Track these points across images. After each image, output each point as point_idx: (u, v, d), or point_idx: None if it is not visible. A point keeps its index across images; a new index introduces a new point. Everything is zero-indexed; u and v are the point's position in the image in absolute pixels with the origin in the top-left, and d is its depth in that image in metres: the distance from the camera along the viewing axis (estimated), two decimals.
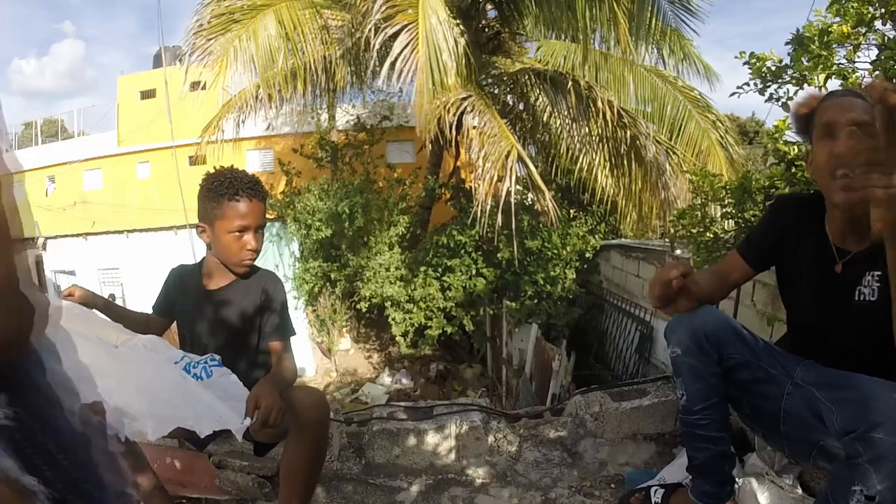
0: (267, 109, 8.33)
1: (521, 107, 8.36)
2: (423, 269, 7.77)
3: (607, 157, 7.27)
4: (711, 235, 2.88)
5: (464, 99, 6.25)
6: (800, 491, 1.43)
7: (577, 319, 8.03)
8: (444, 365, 8.67)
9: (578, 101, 6.69)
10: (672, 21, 7.40)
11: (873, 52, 2.21)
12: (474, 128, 6.59)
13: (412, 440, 2.02)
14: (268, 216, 1.88)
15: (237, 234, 1.53)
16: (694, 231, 2.98)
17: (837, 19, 2.24)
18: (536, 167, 6.98)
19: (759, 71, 2.42)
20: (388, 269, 8.12)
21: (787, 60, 2.37)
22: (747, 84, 2.49)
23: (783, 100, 2.41)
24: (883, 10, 2.15)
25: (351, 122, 10.35)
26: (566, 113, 7.31)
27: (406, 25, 5.99)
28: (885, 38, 2.13)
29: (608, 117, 6.40)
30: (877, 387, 1.10)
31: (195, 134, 8.82)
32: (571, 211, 8.81)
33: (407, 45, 5.93)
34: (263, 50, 6.94)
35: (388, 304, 8.00)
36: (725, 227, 2.86)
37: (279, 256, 10.09)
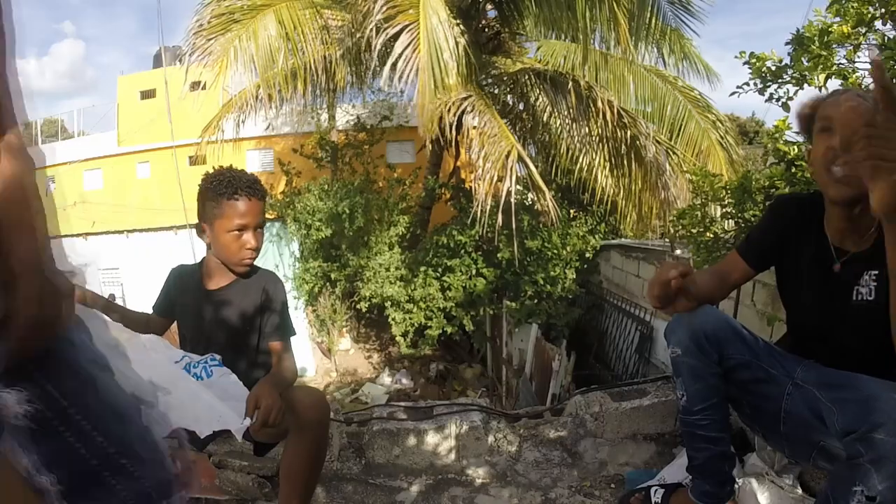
0: (267, 109, 8.32)
1: (521, 107, 8.35)
2: (423, 269, 7.76)
3: (607, 157, 7.26)
4: (711, 235, 2.88)
5: (464, 99, 6.25)
6: (800, 491, 1.43)
7: (577, 319, 8.03)
8: (444, 365, 8.65)
9: (578, 101, 6.69)
10: (672, 21, 7.42)
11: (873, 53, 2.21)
12: (474, 128, 6.58)
13: (412, 440, 2.02)
14: (268, 216, 1.88)
15: (237, 232, 1.53)
16: (694, 231, 2.98)
17: (837, 19, 2.24)
18: (536, 167, 6.98)
19: (759, 71, 2.43)
20: (388, 269, 8.11)
21: (787, 60, 2.38)
22: (747, 84, 2.50)
23: (783, 100, 2.41)
24: (883, 10, 2.15)
25: (351, 122, 10.34)
26: (566, 113, 7.31)
27: (407, 26, 5.99)
28: (885, 38, 2.13)
29: (608, 117, 6.40)
30: (877, 387, 1.10)
31: (195, 134, 8.81)
32: (571, 211, 8.80)
33: (408, 45, 5.93)
34: (263, 50, 6.94)
35: (388, 304, 7.99)
36: (725, 227, 2.86)
37: (279, 256, 10.08)
